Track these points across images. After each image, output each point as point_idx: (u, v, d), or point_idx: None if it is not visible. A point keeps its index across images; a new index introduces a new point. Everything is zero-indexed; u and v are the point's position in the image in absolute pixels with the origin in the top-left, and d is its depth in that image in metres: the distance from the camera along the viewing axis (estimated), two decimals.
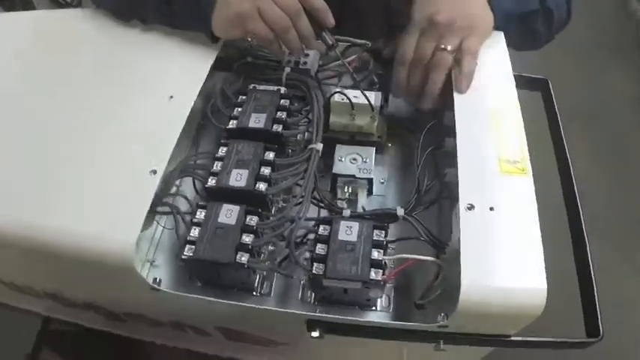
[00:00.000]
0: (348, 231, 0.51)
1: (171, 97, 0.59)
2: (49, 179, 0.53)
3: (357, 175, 0.58)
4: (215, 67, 0.63)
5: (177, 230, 0.54)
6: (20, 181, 0.54)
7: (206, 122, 0.65)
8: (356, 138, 0.62)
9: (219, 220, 0.53)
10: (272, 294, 0.56)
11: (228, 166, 0.56)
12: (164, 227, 0.58)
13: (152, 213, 0.57)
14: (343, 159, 0.60)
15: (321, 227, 0.52)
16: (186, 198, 0.58)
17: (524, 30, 0.68)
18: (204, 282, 0.56)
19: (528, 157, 0.51)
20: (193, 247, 0.52)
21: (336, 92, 0.60)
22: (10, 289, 0.68)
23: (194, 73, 0.61)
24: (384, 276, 0.49)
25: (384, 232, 0.51)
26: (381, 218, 0.53)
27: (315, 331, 0.50)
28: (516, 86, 0.60)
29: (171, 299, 0.52)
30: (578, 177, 0.59)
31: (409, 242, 0.53)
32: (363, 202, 0.59)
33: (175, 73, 0.62)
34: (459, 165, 0.51)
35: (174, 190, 0.58)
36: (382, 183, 0.63)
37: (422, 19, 0.60)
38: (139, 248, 0.56)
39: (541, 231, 0.47)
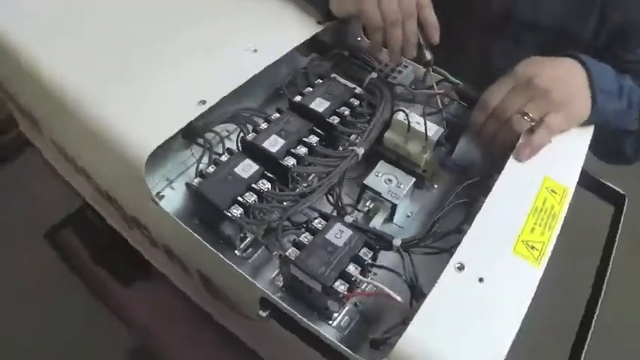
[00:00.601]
0: (338, 234, 0.50)
1: (255, 50, 0.61)
2: (121, 69, 0.59)
3: (383, 195, 0.56)
4: (310, 47, 0.65)
5: (199, 162, 0.57)
6: (100, 61, 0.60)
7: (283, 93, 0.67)
8: (402, 162, 0.60)
9: (235, 169, 0.54)
10: (250, 261, 0.56)
11: (270, 129, 0.57)
12: (192, 154, 0.60)
13: (190, 141, 0.60)
14: (380, 175, 0.58)
15: (318, 220, 0.51)
16: (223, 142, 0.60)
17: (611, 142, 0.62)
18: (201, 220, 0.57)
19: (549, 252, 0.46)
20: (202, 180, 0.53)
21: (400, 110, 0.59)
22: (68, 161, 0.75)
23: (286, 39, 0.62)
24: (347, 293, 0.46)
25: (371, 252, 0.49)
26: (376, 239, 0.51)
27: (264, 311, 0.50)
28: (590, 190, 0.55)
29: (165, 219, 0.54)
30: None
31: (391, 277, 0.49)
32: (378, 223, 0.57)
33: (270, 33, 0.65)
34: (473, 224, 0.47)
35: (221, 131, 0.60)
36: (408, 217, 0.60)
37: (521, 75, 0.57)
38: (162, 164, 0.60)
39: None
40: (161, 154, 0.56)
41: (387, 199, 0.56)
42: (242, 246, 0.56)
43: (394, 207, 0.57)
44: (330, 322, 0.51)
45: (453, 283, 0.44)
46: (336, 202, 0.54)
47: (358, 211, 0.57)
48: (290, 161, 0.55)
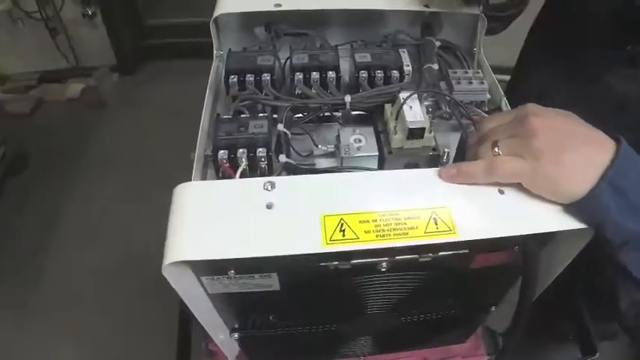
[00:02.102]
0: (258, 125, 0.55)
1: None
2: None
3: (340, 146, 0.57)
4: None
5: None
6: None
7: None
8: (383, 136, 0.58)
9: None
10: None
11: (308, 49, 0.64)
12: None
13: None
14: (356, 132, 0.58)
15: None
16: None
17: (606, 278, 0.47)
18: None
19: None
20: None
21: (412, 93, 0.56)
22: None
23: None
24: (225, 162, 0.53)
25: (265, 153, 0.53)
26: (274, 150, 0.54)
27: None
28: None
29: None
30: None
31: None
32: (323, 164, 0.58)
33: None
34: None
35: None
36: None
37: (523, 109, 0.48)
38: None
39: None
40: None
41: (340, 152, 0.57)
42: None
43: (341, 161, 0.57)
44: None
45: None
46: (285, 113, 0.58)
47: (315, 146, 0.59)
48: (299, 76, 0.61)
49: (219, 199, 0.47)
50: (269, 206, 0.45)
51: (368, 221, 0.44)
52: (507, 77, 0.68)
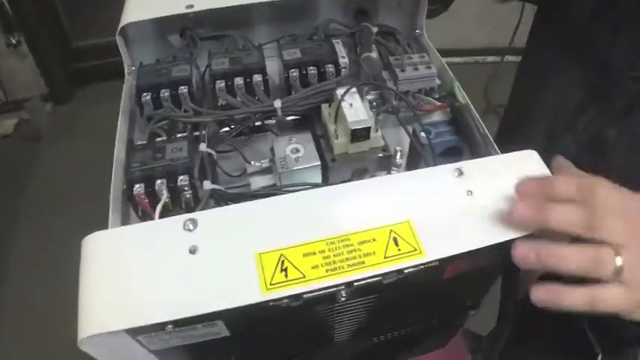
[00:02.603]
0: (176, 149, 0.46)
1: None
2: None
3: (275, 158, 0.48)
4: None
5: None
6: None
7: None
8: (324, 141, 0.49)
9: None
10: None
11: (229, 53, 0.55)
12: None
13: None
14: (292, 141, 0.49)
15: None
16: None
17: None
18: None
19: None
20: None
21: (349, 89, 0.47)
22: None
23: None
24: (142, 196, 0.43)
25: (187, 180, 0.44)
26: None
27: None
28: None
29: None
30: None
31: None
32: (260, 182, 0.49)
33: None
34: None
35: None
36: None
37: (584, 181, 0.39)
38: None
39: None
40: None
41: (275, 165, 0.48)
42: None
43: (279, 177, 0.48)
44: None
45: None
46: (207, 130, 0.48)
47: (248, 162, 0.50)
48: (221, 84, 0.52)
49: (136, 248, 0.37)
50: (192, 250, 0.36)
51: (314, 253, 0.35)
52: (455, 59, 0.60)
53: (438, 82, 0.55)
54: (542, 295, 0.38)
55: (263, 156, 0.51)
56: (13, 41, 2.04)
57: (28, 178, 1.89)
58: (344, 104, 0.46)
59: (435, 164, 0.47)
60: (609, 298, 0.37)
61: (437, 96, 0.56)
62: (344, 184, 0.41)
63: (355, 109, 0.46)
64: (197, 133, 0.50)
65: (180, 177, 0.45)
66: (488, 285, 0.55)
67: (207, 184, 0.43)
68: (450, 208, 0.39)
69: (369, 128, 0.46)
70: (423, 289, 0.48)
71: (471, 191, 0.40)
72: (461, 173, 0.42)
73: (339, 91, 0.48)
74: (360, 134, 0.46)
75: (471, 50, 1.70)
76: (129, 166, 0.45)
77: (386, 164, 0.49)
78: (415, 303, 0.52)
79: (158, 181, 0.45)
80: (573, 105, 0.64)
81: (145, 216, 0.46)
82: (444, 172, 0.42)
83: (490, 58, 1.73)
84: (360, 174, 0.48)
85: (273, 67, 0.56)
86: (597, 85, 0.59)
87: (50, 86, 2.12)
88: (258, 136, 0.54)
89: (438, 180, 0.41)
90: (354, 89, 0.47)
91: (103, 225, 0.46)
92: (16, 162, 1.96)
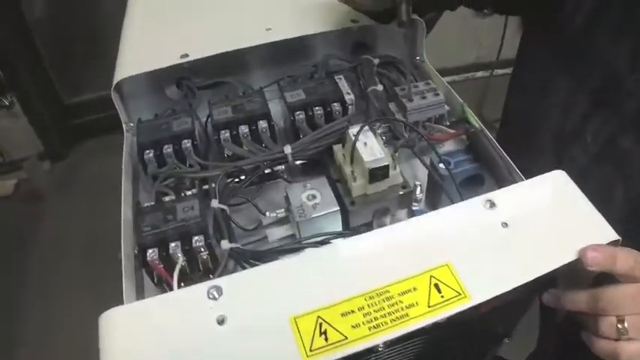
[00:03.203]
0: (187, 209, 0.42)
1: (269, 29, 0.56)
2: None
3: (292, 207, 0.45)
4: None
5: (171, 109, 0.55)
6: None
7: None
8: (341, 185, 0.46)
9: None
10: None
11: (229, 100, 0.52)
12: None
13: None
14: (307, 187, 0.46)
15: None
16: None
17: None
18: None
19: None
20: None
21: (363, 127, 0.44)
22: None
23: (307, 24, 0.56)
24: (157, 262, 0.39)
25: (203, 241, 0.41)
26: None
27: None
28: None
29: None
30: None
31: None
32: (278, 234, 0.46)
33: (291, 17, 0.59)
34: None
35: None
36: None
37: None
38: None
39: None
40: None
41: (292, 213, 0.45)
42: None
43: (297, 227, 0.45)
44: None
45: None
46: (216, 185, 0.45)
47: (262, 214, 0.47)
48: (225, 134, 0.49)
49: (158, 325, 0.34)
50: (220, 321, 0.32)
51: (353, 311, 0.32)
52: (446, 79, 0.58)
53: (447, 108, 0.53)
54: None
55: (277, 205, 0.48)
56: (6, 102, 2.02)
57: (32, 238, 1.85)
58: (359, 143, 0.43)
59: (460, 196, 0.45)
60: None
61: (447, 123, 0.54)
62: (372, 231, 0.37)
63: (370, 147, 0.43)
64: (206, 187, 0.47)
65: (195, 237, 0.41)
66: (524, 313, 0.52)
67: (225, 244, 0.40)
68: (487, 244, 0.36)
69: (387, 166, 0.43)
70: (458, 327, 0.44)
71: (506, 223, 0.37)
72: (492, 205, 0.39)
73: (352, 131, 0.45)
74: (378, 174, 0.43)
75: (459, 68, 1.70)
76: (139, 230, 0.42)
77: (406, 201, 0.46)
78: (450, 340, 0.49)
79: (172, 244, 0.41)
80: (578, 115, 0.61)
81: (161, 281, 0.42)
82: (475, 205, 0.38)
83: (479, 74, 1.73)
84: (381, 214, 0.45)
85: (276, 110, 0.54)
86: (601, 92, 0.57)
87: (46, 144, 2.08)
88: (269, 184, 0.51)
89: (470, 215, 0.38)
90: (366, 127, 0.44)
91: (114, 287, 0.43)
92: (18, 224, 1.92)
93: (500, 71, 1.68)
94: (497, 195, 0.39)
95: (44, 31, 2.10)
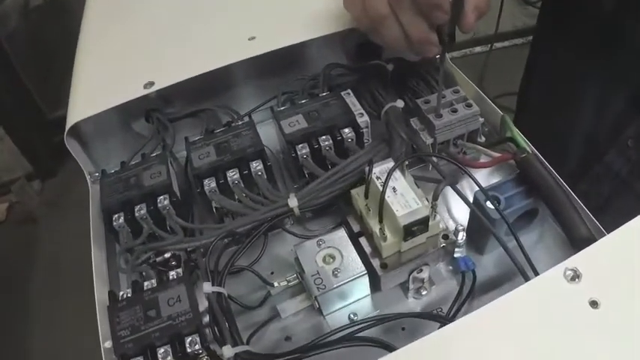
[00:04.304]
0: (172, 301, 0.31)
1: (252, 38, 0.43)
2: None
3: (305, 276, 0.33)
4: None
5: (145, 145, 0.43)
6: None
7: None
8: (365, 240, 0.35)
9: None
10: None
11: (213, 137, 0.40)
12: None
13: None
14: (322, 246, 0.35)
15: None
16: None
17: None
18: None
19: None
20: None
21: (392, 171, 0.32)
22: None
23: (295, 31, 0.43)
24: None
25: (198, 344, 0.29)
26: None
27: None
28: None
29: None
30: None
31: None
32: (293, 307, 0.35)
33: (277, 23, 0.46)
34: None
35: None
36: (352, 319, 0.35)
37: None
38: None
39: None
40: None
41: (308, 284, 0.34)
42: None
43: (317, 304, 0.34)
44: None
45: None
46: (207, 262, 0.34)
47: (270, 285, 0.35)
48: (211, 184, 0.38)
49: None
50: None
51: None
52: (452, 54, 0.47)
53: (481, 120, 0.41)
54: None
55: (281, 262, 0.37)
56: None
57: (31, 263, 1.73)
58: (388, 190, 0.32)
59: (518, 242, 0.33)
60: None
61: (483, 139, 0.42)
62: (440, 330, 0.26)
63: (401, 194, 0.32)
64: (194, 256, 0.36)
65: (189, 339, 0.30)
66: None
67: (228, 351, 0.29)
68: (576, 336, 0.25)
69: (426, 219, 0.32)
70: None
71: (595, 302, 0.26)
72: (576, 276, 0.28)
73: (377, 175, 0.33)
74: (415, 230, 0.32)
75: (457, 44, 1.56)
76: (115, 337, 0.31)
77: (449, 252, 0.35)
78: None
79: (161, 350, 0.30)
80: (614, 114, 0.50)
81: None
82: (554, 279, 0.27)
83: (478, 49, 1.60)
84: (418, 273, 0.34)
85: (270, 135, 0.42)
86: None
87: (33, 164, 1.95)
88: (270, 235, 0.40)
89: (550, 294, 0.27)
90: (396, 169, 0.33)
91: None
92: (14, 249, 1.80)
93: (498, 45, 1.56)
94: (580, 261, 0.28)
95: (18, 44, 1.96)
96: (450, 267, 0.37)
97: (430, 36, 0.35)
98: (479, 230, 0.36)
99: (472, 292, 0.34)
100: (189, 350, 0.30)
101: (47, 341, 1.51)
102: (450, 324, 0.27)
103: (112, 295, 0.33)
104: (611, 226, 0.33)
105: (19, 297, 1.63)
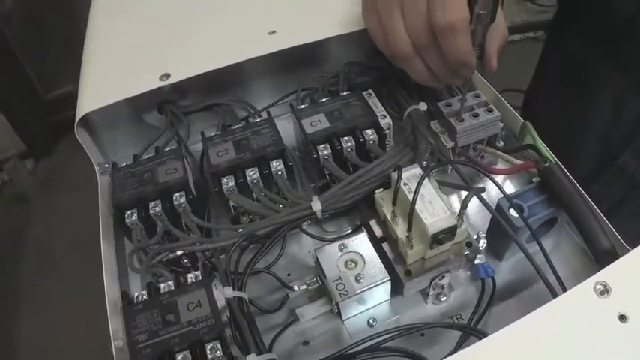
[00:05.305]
0: (192, 305, 0.29)
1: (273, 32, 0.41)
2: None
3: (327, 281, 0.32)
4: None
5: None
6: None
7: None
8: (388, 245, 0.33)
9: None
10: None
11: (231, 133, 0.38)
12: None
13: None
14: (344, 250, 0.33)
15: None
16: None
17: None
18: None
19: None
20: None
21: (422, 178, 0.31)
22: None
23: (318, 27, 0.41)
24: None
25: (219, 351, 0.28)
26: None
27: None
28: None
29: None
30: None
31: None
32: (311, 312, 0.33)
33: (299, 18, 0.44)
34: None
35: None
36: (371, 324, 0.34)
37: None
38: None
39: None
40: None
41: (330, 289, 0.32)
42: None
43: (338, 309, 0.32)
44: None
45: None
46: (226, 266, 0.32)
47: (289, 289, 0.34)
48: (229, 183, 0.36)
49: None
50: None
51: None
52: None
53: (501, 125, 0.40)
54: None
55: (298, 264, 0.35)
56: None
57: (21, 244, 1.69)
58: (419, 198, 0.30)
59: (543, 251, 0.32)
60: None
61: (501, 143, 0.41)
62: (475, 346, 0.25)
63: (429, 201, 0.31)
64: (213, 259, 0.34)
65: (209, 345, 0.29)
66: None
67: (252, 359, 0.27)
68: (606, 350, 0.25)
69: (454, 227, 0.30)
70: None
71: (624, 316, 0.25)
72: (605, 290, 0.27)
73: (403, 184, 0.31)
74: (443, 238, 0.30)
75: None
76: (131, 341, 0.29)
77: (471, 259, 0.34)
78: None
79: (180, 356, 0.29)
80: (631, 117, 0.49)
81: None
82: (584, 294, 0.26)
83: None
84: (439, 280, 0.33)
85: (288, 131, 0.40)
86: None
87: (27, 143, 1.89)
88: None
89: (581, 310, 0.26)
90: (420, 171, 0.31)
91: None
92: (4, 229, 1.75)
93: None
94: (608, 275, 0.27)
95: (15, 25, 1.89)
96: (469, 272, 0.36)
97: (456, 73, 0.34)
98: (500, 237, 0.35)
99: (492, 300, 0.33)
100: (210, 357, 0.28)
101: (37, 322, 1.48)
102: (484, 339, 0.25)
103: (126, 295, 0.31)
104: (623, 229, 0.33)
105: (8, 277, 1.59)
